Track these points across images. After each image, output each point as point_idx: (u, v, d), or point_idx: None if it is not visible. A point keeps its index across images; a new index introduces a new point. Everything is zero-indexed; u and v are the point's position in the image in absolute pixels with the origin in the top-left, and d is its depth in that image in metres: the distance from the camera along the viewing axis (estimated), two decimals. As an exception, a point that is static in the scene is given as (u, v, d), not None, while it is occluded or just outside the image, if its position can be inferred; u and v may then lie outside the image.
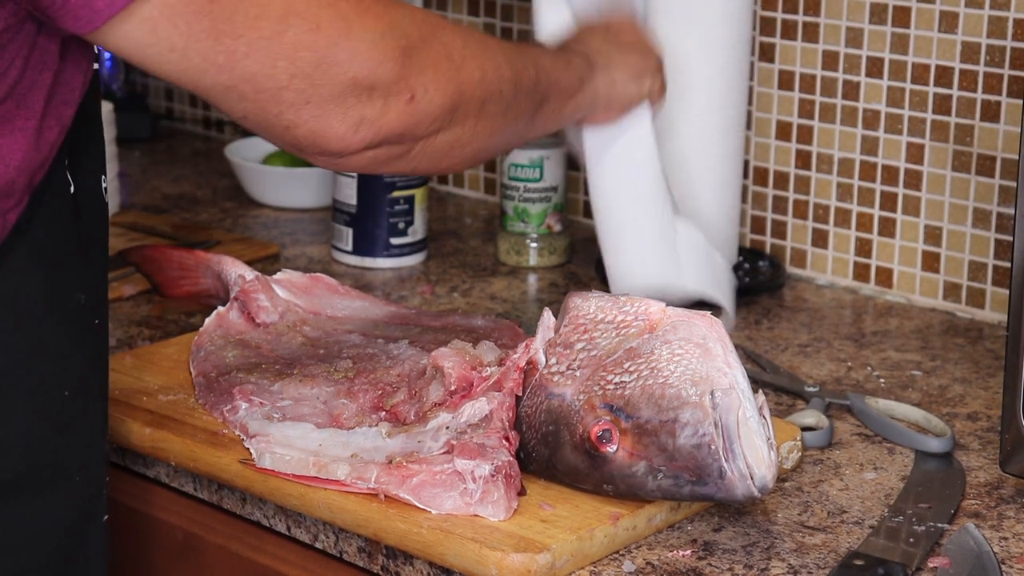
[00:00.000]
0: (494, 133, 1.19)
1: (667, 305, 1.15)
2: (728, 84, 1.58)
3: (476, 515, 1.11)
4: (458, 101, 1.12)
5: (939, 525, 1.15)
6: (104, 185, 1.11)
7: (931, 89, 1.58)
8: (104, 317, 1.11)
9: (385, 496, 1.13)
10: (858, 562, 1.09)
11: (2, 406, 1.03)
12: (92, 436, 1.10)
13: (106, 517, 1.12)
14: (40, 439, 1.05)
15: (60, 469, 1.07)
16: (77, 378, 1.08)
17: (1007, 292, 1.20)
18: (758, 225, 1.72)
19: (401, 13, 1.08)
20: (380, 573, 1.16)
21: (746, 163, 1.70)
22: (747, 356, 1.46)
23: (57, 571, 1.08)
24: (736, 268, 1.63)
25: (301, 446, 1.18)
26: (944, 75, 1.57)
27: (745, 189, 1.71)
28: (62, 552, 1.08)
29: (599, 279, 1.68)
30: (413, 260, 1.72)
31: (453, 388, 1.19)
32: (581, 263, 1.74)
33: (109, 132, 1.79)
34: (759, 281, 1.65)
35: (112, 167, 1.80)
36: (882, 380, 1.43)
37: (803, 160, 1.68)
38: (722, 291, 1.53)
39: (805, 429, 1.30)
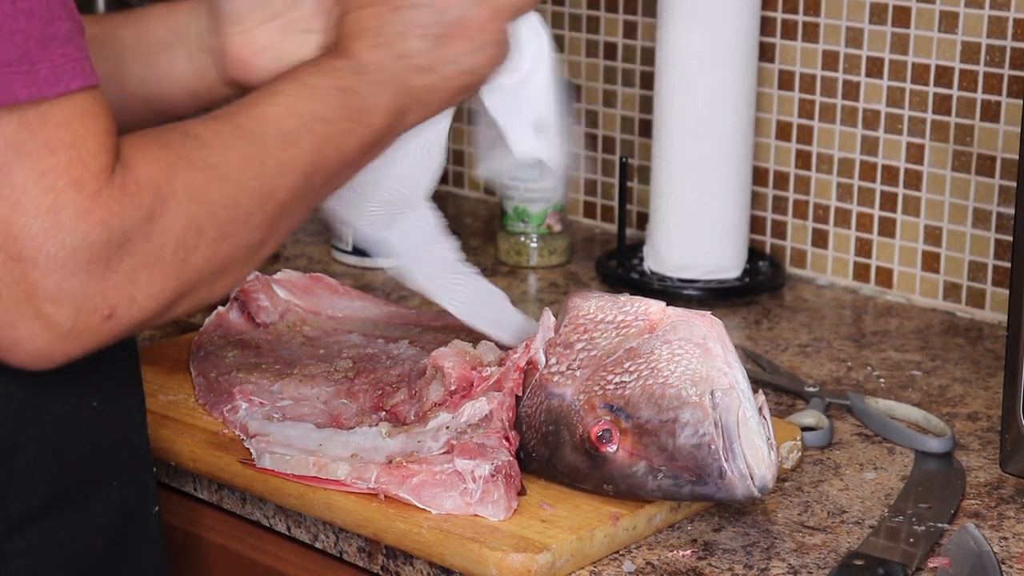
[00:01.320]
0: (266, 245, 1.02)
1: (667, 305, 1.15)
2: (738, 86, 1.59)
3: (476, 515, 1.11)
4: (181, 291, 0.95)
5: (939, 525, 1.15)
6: None
7: (931, 89, 1.58)
8: None
9: (385, 496, 1.13)
10: (858, 562, 1.09)
11: (31, 429, 1.00)
12: (128, 437, 1.08)
13: (156, 508, 1.09)
14: (72, 457, 1.03)
15: (97, 480, 1.04)
16: (105, 386, 1.05)
17: (1007, 292, 1.20)
18: (758, 225, 1.72)
19: (122, 185, 0.90)
20: (380, 573, 1.16)
21: (746, 163, 1.70)
22: (747, 356, 1.46)
23: (104, 571, 1.06)
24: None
25: (301, 446, 1.18)
26: (944, 75, 1.57)
27: (745, 189, 1.71)
28: (107, 555, 1.06)
29: (599, 279, 1.68)
30: (413, 260, 1.72)
31: (453, 388, 1.19)
32: (581, 263, 1.74)
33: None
34: (759, 281, 1.65)
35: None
36: (882, 380, 1.43)
37: (803, 160, 1.68)
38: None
39: (805, 429, 1.30)
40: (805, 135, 1.68)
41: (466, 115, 1.95)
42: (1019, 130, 1.24)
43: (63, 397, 1.01)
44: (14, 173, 0.86)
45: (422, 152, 1.19)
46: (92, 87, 0.89)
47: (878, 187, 1.64)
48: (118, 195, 0.89)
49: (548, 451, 1.14)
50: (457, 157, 1.98)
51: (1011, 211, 1.55)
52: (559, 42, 1.85)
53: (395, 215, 1.23)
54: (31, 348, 0.90)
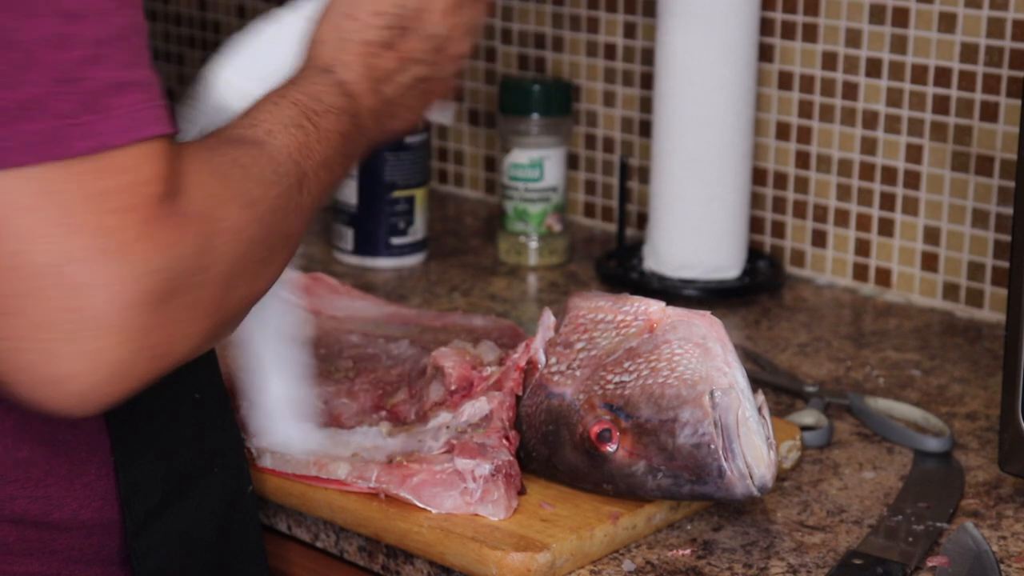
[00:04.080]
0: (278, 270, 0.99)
1: (667, 305, 1.15)
2: (738, 86, 1.59)
3: (476, 514, 1.11)
4: (222, 328, 0.92)
5: (938, 524, 1.16)
6: None
7: (930, 89, 1.58)
8: None
9: (385, 495, 1.13)
10: (857, 561, 1.10)
11: (150, 433, 1.02)
12: (222, 423, 1.10)
13: (251, 488, 1.11)
14: (182, 451, 1.05)
15: (201, 469, 1.06)
16: (201, 376, 1.07)
17: (1006, 292, 1.21)
18: (757, 225, 1.72)
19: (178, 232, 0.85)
20: (380, 572, 1.16)
21: (745, 163, 1.70)
22: (747, 356, 1.46)
23: (213, 560, 1.08)
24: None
25: (301, 445, 1.18)
26: (943, 76, 1.57)
27: (744, 189, 1.72)
28: (219, 540, 1.08)
29: (599, 279, 1.68)
30: (413, 260, 1.72)
31: (453, 388, 1.19)
32: (581, 263, 1.74)
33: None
34: (758, 281, 1.65)
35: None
36: (881, 380, 1.43)
37: (802, 160, 1.69)
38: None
39: (804, 429, 1.30)
40: (805, 135, 1.68)
41: (466, 115, 1.96)
42: (1018, 130, 1.24)
43: (173, 395, 1.03)
44: (63, 192, 0.82)
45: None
46: (167, 135, 0.86)
47: (877, 187, 1.64)
48: (172, 224, 0.85)
49: (548, 450, 1.14)
50: (457, 157, 1.98)
51: (1010, 211, 1.55)
52: (559, 42, 1.85)
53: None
54: (74, 388, 0.83)
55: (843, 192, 1.66)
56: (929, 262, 1.62)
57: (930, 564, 1.11)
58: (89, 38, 0.82)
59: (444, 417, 1.17)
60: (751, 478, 1.08)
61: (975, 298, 1.59)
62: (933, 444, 1.29)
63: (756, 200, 1.72)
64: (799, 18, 1.66)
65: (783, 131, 1.69)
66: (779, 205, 1.71)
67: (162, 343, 0.85)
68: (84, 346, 0.81)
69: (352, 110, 1.08)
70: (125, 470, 1.01)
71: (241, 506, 1.10)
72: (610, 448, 1.11)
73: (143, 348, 0.84)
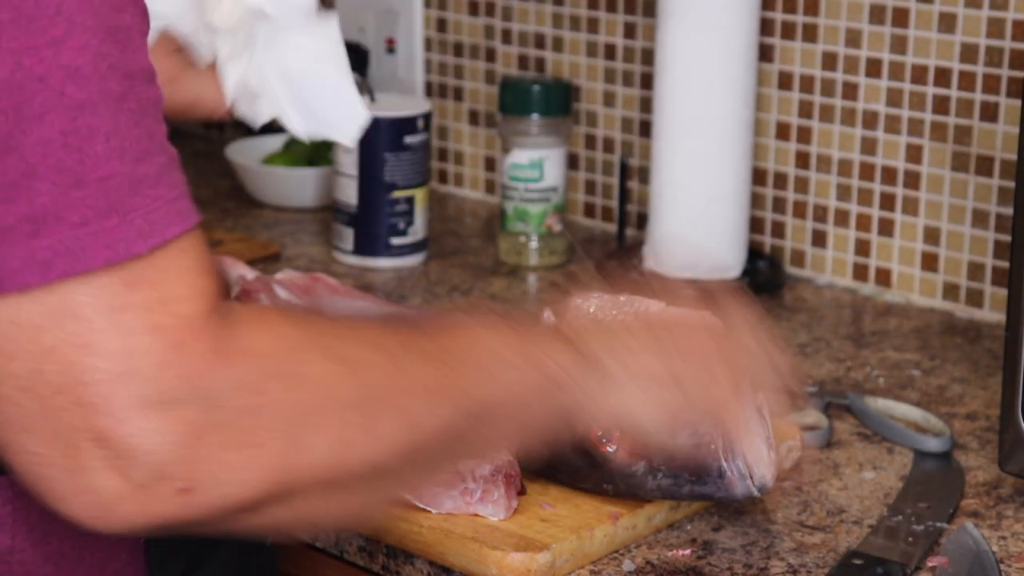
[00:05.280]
0: (367, 504, 0.87)
1: (667, 305, 1.15)
2: (738, 87, 1.59)
3: (476, 514, 1.11)
4: (284, 490, 0.80)
5: (938, 524, 1.16)
6: None
7: (930, 90, 1.58)
8: None
9: (386, 495, 1.13)
10: (857, 561, 1.10)
11: None
12: None
13: (269, 540, 1.06)
14: None
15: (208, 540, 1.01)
16: None
17: (1006, 292, 1.21)
18: (757, 225, 1.72)
19: (238, 358, 0.78)
20: (380, 572, 1.16)
21: (745, 163, 1.70)
22: (746, 356, 1.46)
23: None
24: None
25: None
26: (943, 76, 1.57)
27: (744, 189, 1.72)
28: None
29: (599, 279, 1.68)
30: (413, 260, 1.72)
31: (453, 388, 1.19)
32: (581, 263, 1.74)
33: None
34: (758, 281, 1.65)
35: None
36: (881, 380, 1.43)
37: (802, 160, 1.69)
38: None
39: (804, 429, 1.30)
40: (804, 135, 1.68)
41: (466, 115, 1.96)
42: (1018, 130, 1.24)
43: None
44: (84, 308, 0.75)
45: None
46: (188, 232, 0.78)
47: (877, 187, 1.64)
48: (209, 354, 0.77)
49: (548, 451, 1.14)
50: (457, 157, 1.98)
51: (1010, 211, 1.55)
52: (559, 42, 1.85)
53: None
54: (91, 500, 0.76)
55: (843, 192, 1.66)
56: (929, 262, 1.62)
57: (930, 564, 1.11)
58: (100, 131, 0.75)
59: (444, 417, 1.17)
60: (751, 478, 1.08)
61: (975, 298, 1.59)
62: (933, 444, 1.29)
63: (756, 200, 1.72)
64: (799, 18, 1.66)
65: (783, 131, 1.69)
66: (779, 205, 1.71)
67: (195, 478, 0.77)
68: (102, 465, 0.76)
69: (566, 376, 0.93)
70: (155, 546, 0.97)
71: (260, 560, 1.07)
72: (610, 448, 1.11)
73: (168, 477, 0.76)
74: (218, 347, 0.77)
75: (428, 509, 1.11)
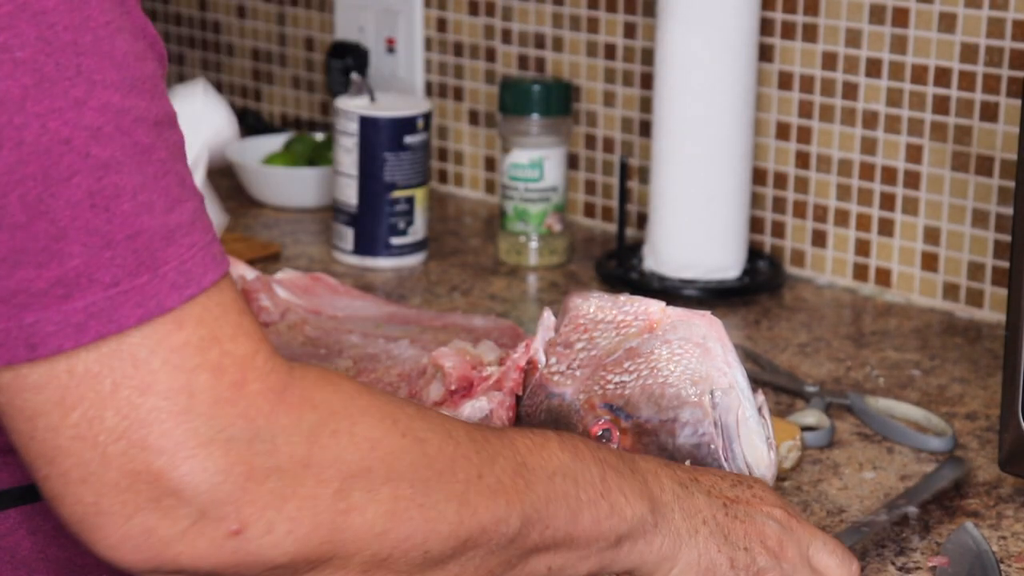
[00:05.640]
0: None
1: (667, 305, 1.15)
2: (738, 87, 1.59)
3: (476, 514, 1.11)
4: (328, 552, 0.79)
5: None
6: None
7: (930, 89, 1.58)
8: None
9: (386, 495, 1.13)
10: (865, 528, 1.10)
11: None
12: None
13: None
14: None
15: None
16: None
17: (1006, 292, 1.21)
18: (757, 225, 1.73)
19: (316, 412, 0.78)
20: (381, 572, 1.16)
21: (745, 163, 1.70)
22: (747, 356, 1.46)
23: None
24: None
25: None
26: (943, 76, 1.57)
27: (744, 189, 1.72)
28: None
29: (599, 279, 1.68)
30: (413, 260, 1.72)
31: (453, 387, 1.19)
32: (581, 263, 1.74)
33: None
34: (758, 281, 1.65)
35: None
36: (881, 380, 1.44)
37: (802, 160, 1.69)
38: None
39: (806, 429, 1.30)
40: (804, 135, 1.68)
41: (466, 115, 1.96)
42: (1018, 130, 1.24)
43: None
44: (139, 350, 0.75)
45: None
46: (224, 277, 0.78)
47: (877, 187, 1.64)
48: (269, 395, 0.76)
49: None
50: (457, 157, 1.98)
51: (1010, 211, 1.55)
52: (559, 42, 1.85)
53: None
54: (142, 544, 0.75)
55: (843, 192, 1.66)
56: (929, 262, 1.62)
57: (930, 564, 1.11)
58: (128, 188, 0.75)
59: (444, 417, 1.17)
60: (751, 478, 1.08)
61: (975, 298, 1.59)
62: (935, 444, 1.29)
63: (756, 200, 1.72)
64: (799, 18, 1.66)
65: (783, 131, 1.69)
66: (779, 205, 1.71)
67: (247, 521, 0.76)
68: (156, 506, 0.75)
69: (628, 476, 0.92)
70: None
71: None
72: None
73: (220, 518, 0.76)
74: (278, 390, 0.77)
75: (428, 509, 1.11)
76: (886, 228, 1.64)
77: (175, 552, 0.75)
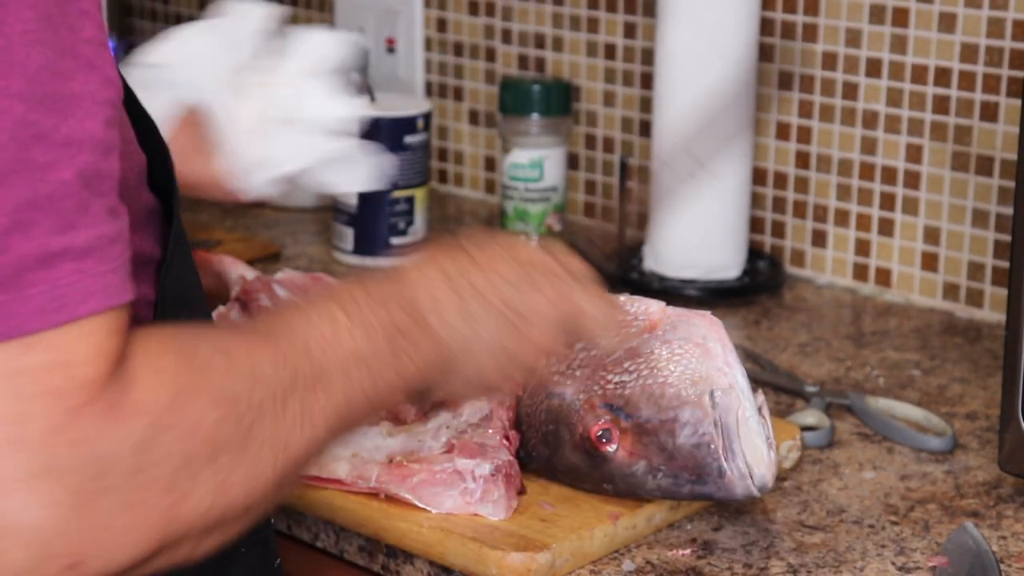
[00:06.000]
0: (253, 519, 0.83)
1: (667, 305, 1.15)
2: (738, 88, 1.59)
3: (476, 514, 1.11)
4: (164, 543, 0.77)
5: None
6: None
7: (930, 89, 1.58)
8: None
9: (385, 495, 1.13)
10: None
11: None
12: None
13: (278, 561, 1.05)
14: None
15: (229, 554, 0.93)
16: None
17: (1006, 292, 1.21)
18: (757, 225, 1.73)
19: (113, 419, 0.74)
20: (380, 572, 1.16)
21: (745, 163, 1.70)
22: (747, 356, 1.46)
23: None
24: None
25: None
26: (943, 76, 1.57)
27: (744, 189, 1.72)
28: None
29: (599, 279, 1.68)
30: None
31: (453, 388, 1.19)
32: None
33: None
34: (758, 281, 1.65)
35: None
36: (881, 380, 1.43)
37: (802, 160, 1.69)
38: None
39: (806, 429, 1.30)
40: (805, 135, 1.68)
41: (466, 115, 1.96)
42: (1018, 130, 1.24)
43: None
44: None
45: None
46: (113, 308, 0.74)
47: (877, 187, 1.64)
48: (103, 415, 0.73)
49: (548, 450, 1.14)
50: (457, 157, 1.98)
51: (1010, 211, 1.55)
52: (559, 42, 1.85)
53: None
54: None
55: (843, 192, 1.66)
56: (929, 262, 1.62)
57: (930, 564, 1.11)
58: (6, 203, 0.71)
59: (444, 417, 1.17)
60: (751, 478, 1.08)
61: (975, 298, 1.59)
62: (935, 444, 1.29)
63: (756, 200, 1.72)
64: (799, 18, 1.66)
65: (783, 131, 1.69)
66: (779, 205, 1.71)
67: (82, 551, 0.73)
68: None
69: (407, 322, 0.92)
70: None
71: None
72: (610, 448, 1.11)
73: (53, 556, 0.72)
74: (110, 405, 0.74)
75: (428, 509, 1.11)
76: (886, 228, 1.64)
77: None
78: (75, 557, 0.73)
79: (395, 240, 1.70)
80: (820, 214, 1.68)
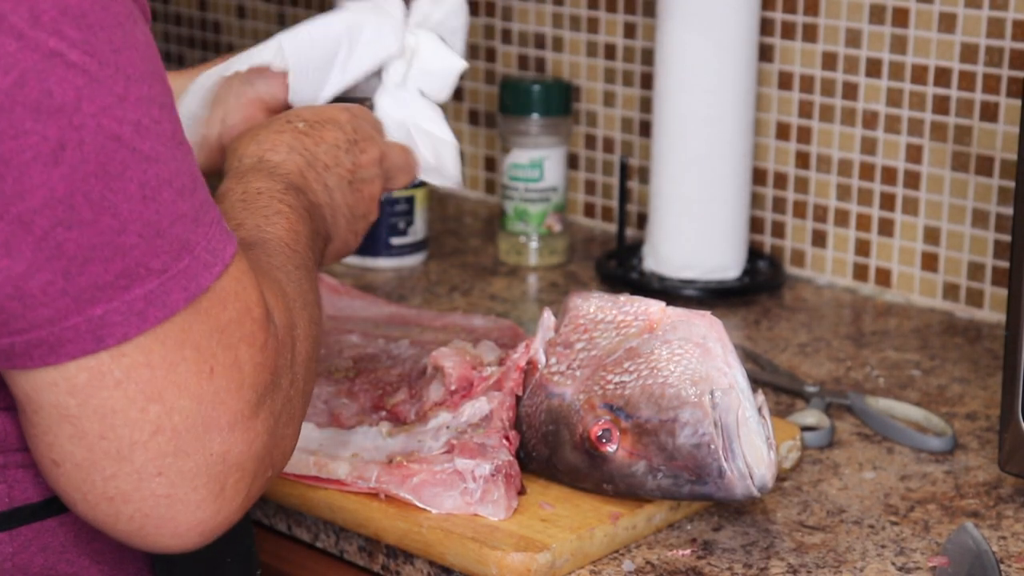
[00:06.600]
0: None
1: (667, 305, 1.15)
2: (738, 87, 1.59)
3: (476, 514, 1.11)
4: (300, 425, 0.92)
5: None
6: None
7: (930, 89, 1.58)
8: None
9: (385, 495, 1.13)
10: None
11: None
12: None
13: (258, 572, 1.08)
14: (200, 552, 0.96)
15: (214, 564, 1.01)
16: None
17: (1006, 292, 1.21)
18: (757, 225, 1.73)
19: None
20: (380, 572, 1.16)
21: (745, 163, 1.70)
22: (747, 356, 1.46)
23: None
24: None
25: (301, 446, 1.18)
26: (943, 76, 1.57)
27: (744, 189, 1.72)
28: None
29: (599, 279, 1.68)
30: (413, 260, 1.72)
31: (453, 388, 1.19)
32: (581, 263, 1.74)
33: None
34: (758, 281, 1.65)
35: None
36: (881, 380, 1.44)
37: (802, 160, 1.69)
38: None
39: (806, 429, 1.30)
40: (805, 135, 1.68)
41: (466, 115, 1.96)
42: (1018, 130, 1.24)
43: None
44: (193, 333, 0.81)
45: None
46: (238, 251, 0.84)
47: (877, 187, 1.64)
48: (276, 345, 0.85)
49: (548, 451, 1.15)
50: (457, 157, 1.98)
51: (1010, 211, 1.55)
52: (559, 42, 1.85)
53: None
54: (205, 528, 0.83)
55: (843, 192, 1.66)
56: (929, 262, 1.62)
57: (930, 564, 1.11)
58: (165, 178, 0.79)
59: (444, 417, 1.17)
60: (751, 478, 1.08)
61: (975, 298, 1.59)
62: (935, 444, 1.29)
63: (756, 200, 1.72)
64: (799, 18, 1.66)
65: (783, 131, 1.69)
66: (779, 205, 1.71)
67: (274, 462, 0.86)
68: (226, 485, 0.82)
69: (303, 191, 1.06)
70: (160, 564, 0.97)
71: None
72: (610, 448, 1.11)
73: (264, 472, 0.84)
74: (274, 334, 0.85)
75: (428, 509, 1.12)
76: (886, 228, 1.64)
77: (227, 516, 0.83)
78: (276, 468, 0.86)
79: (395, 240, 1.71)
80: (820, 214, 1.68)
